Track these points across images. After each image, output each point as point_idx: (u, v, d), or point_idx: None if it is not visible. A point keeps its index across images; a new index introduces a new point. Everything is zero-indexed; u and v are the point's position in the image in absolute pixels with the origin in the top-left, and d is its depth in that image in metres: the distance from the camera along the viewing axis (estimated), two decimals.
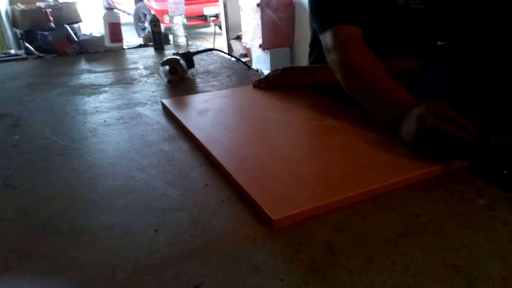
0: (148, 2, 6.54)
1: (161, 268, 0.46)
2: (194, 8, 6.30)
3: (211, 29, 6.39)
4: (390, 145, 0.69)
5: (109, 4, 7.68)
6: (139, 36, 6.39)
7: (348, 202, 0.55)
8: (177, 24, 1.96)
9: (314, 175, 0.61)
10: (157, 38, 1.85)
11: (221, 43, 4.95)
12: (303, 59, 3.56)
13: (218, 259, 0.47)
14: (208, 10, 6.30)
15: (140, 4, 6.89)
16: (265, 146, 0.74)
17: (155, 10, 6.30)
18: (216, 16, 6.16)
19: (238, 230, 0.52)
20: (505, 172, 1.15)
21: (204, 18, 6.36)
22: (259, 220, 0.53)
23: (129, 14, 7.75)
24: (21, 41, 3.55)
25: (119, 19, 1.90)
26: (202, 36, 6.76)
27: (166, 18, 5.69)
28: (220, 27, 5.75)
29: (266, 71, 3.61)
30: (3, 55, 1.90)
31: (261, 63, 3.78)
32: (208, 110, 0.93)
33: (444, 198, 0.56)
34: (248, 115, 0.92)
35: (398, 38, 0.95)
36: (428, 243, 0.47)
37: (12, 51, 2.06)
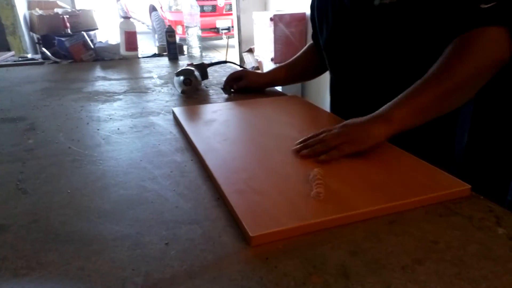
0: (163, 13, 6.73)
1: (171, 284, 0.45)
2: (207, 21, 6.45)
3: (224, 41, 6.64)
4: (390, 169, 0.68)
5: (125, 13, 7.88)
6: (154, 41, 6.82)
7: (333, 224, 0.54)
8: (192, 35, 1.98)
9: (301, 194, 0.60)
10: (171, 49, 1.87)
11: (233, 55, 4.99)
12: None
13: (229, 277, 0.46)
14: (220, 23, 6.47)
15: (154, 13, 7.08)
16: (259, 160, 0.74)
17: (169, 20, 6.49)
18: (228, 29, 6.32)
19: (250, 248, 0.51)
20: None
21: (216, 30, 6.54)
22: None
23: (143, 23, 7.92)
24: (37, 45, 3.63)
25: (135, 28, 1.93)
26: (215, 48, 6.87)
27: (180, 29, 5.95)
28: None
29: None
30: (20, 59, 1.93)
31: None
32: (214, 121, 0.93)
33: (462, 225, 0.54)
34: (251, 128, 0.92)
35: (388, 41, 0.88)
36: (446, 272, 0.45)
37: (29, 55, 2.10)
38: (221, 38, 6.71)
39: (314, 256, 0.49)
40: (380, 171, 0.68)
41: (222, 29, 6.45)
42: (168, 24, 6.26)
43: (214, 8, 6.37)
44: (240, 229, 0.53)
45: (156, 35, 6.89)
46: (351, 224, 0.55)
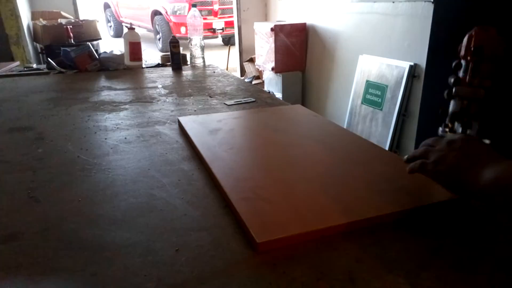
0: (167, 16, 7.57)
1: None
2: (205, 22, 7.28)
3: (218, 40, 8.23)
4: (392, 177, 0.70)
5: (115, 19, 8.99)
6: (156, 45, 7.81)
7: (338, 230, 0.55)
8: (195, 45, 2.01)
9: (307, 201, 0.62)
10: (175, 59, 1.90)
11: (234, 63, 5.04)
12: (315, 83, 3.60)
13: (239, 283, 0.47)
14: (216, 24, 7.57)
15: (158, 17, 7.87)
16: (265, 168, 0.76)
17: (174, 23, 7.46)
18: (222, 29, 7.65)
19: (258, 254, 0.52)
20: None
21: (213, 30, 7.53)
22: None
23: (139, 27, 8.34)
24: (41, 55, 3.66)
25: (139, 38, 1.96)
26: (210, 47, 7.83)
27: (183, 30, 7.21)
28: (224, 39, 8.22)
29: (278, 94, 3.65)
30: (25, 69, 1.96)
31: (273, 85, 3.83)
32: (219, 130, 0.95)
33: (463, 231, 0.56)
34: (256, 137, 0.94)
35: None
36: (450, 277, 0.47)
37: (34, 65, 2.12)
38: (217, 37, 7.97)
39: (321, 262, 0.50)
40: (384, 178, 0.69)
41: (217, 29, 7.62)
42: (172, 27, 7.43)
43: (210, 12, 7.50)
44: (247, 236, 0.55)
45: (160, 39, 7.82)
46: (357, 230, 0.56)
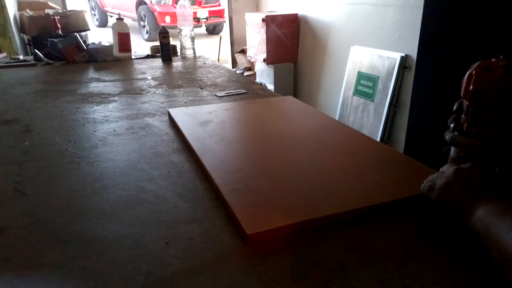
0: (152, 5, 7.69)
1: (173, 282, 0.46)
2: None
3: (202, 29, 8.62)
4: (383, 167, 0.70)
5: (99, 8, 9.10)
6: (142, 35, 7.94)
7: (327, 221, 0.56)
8: (185, 36, 1.99)
9: (297, 192, 0.62)
10: (165, 50, 1.87)
11: (225, 55, 5.01)
12: (307, 75, 3.59)
13: (230, 274, 0.47)
14: (200, 13, 7.79)
15: (142, 6, 7.99)
16: (255, 160, 0.75)
17: (158, 12, 7.59)
18: (206, 18, 7.96)
19: (248, 245, 0.52)
20: None
21: (197, 19, 7.73)
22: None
23: (123, 16, 8.33)
24: (28, 47, 3.59)
25: (128, 29, 1.92)
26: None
27: (168, 19, 7.40)
28: (208, 29, 8.62)
29: (270, 86, 3.63)
30: (12, 61, 1.92)
31: (265, 77, 3.82)
32: (210, 122, 0.94)
33: (452, 220, 0.56)
34: (247, 128, 0.93)
35: None
36: (438, 266, 0.47)
37: (21, 57, 2.08)
38: (201, 26, 8.28)
39: (312, 252, 0.50)
40: (375, 169, 0.70)
41: (202, 19, 7.84)
42: (157, 17, 7.54)
43: (194, 1, 7.63)
44: (238, 228, 0.55)
45: (145, 28, 7.93)
46: (347, 220, 0.56)
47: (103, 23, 9.25)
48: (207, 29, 8.69)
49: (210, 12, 7.93)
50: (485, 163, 0.53)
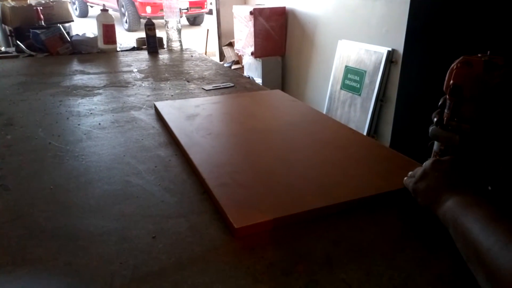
0: None
1: (160, 276, 0.45)
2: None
3: (183, 20, 8.45)
4: (369, 161, 0.71)
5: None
6: (123, 26, 7.92)
7: (314, 214, 0.56)
8: (171, 28, 1.96)
9: (285, 186, 0.62)
10: (151, 42, 1.85)
11: (213, 48, 4.97)
12: (295, 68, 3.59)
13: (217, 268, 0.47)
14: (180, 4, 8.08)
15: None
16: (243, 154, 0.75)
17: (139, 2, 7.55)
18: (187, 9, 8.03)
19: (236, 239, 0.52)
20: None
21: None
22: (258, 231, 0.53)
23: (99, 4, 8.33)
24: (10, 38, 3.50)
25: (113, 20, 1.89)
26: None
27: (149, 9, 7.47)
28: (189, 19, 8.65)
29: (257, 79, 3.62)
30: None
31: (253, 70, 3.80)
32: (197, 115, 0.93)
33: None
34: (235, 122, 0.93)
35: None
36: (424, 258, 0.48)
37: (2, 49, 2.03)
38: (181, 17, 8.79)
39: (300, 246, 0.50)
40: (361, 162, 0.70)
41: (182, 9, 7.85)
42: (138, 7, 7.51)
43: None
44: (226, 222, 0.55)
45: (126, 18, 7.87)
46: (334, 214, 0.56)
47: (83, 13, 9.09)
48: (188, 19, 8.76)
49: (190, 2, 7.96)
50: (466, 158, 0.54)
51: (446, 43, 1.52)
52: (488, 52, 0.52)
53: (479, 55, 0.52)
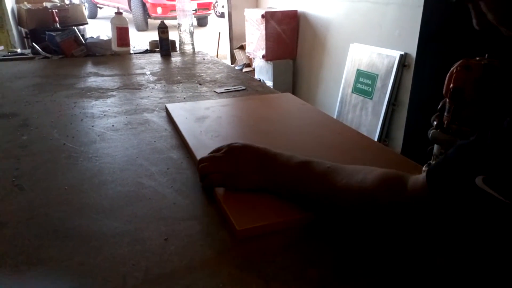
0: None
1: (172, 278, 0.46)
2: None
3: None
4: (377, 165, 0.69)
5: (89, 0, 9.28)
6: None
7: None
8: (184, 31, 1.98)
9: None
10: (164, 45, 1.86)
11: (224, 51, 5.00)
12: (306, 72, 3.59)
13: (229, 271, 0.47)
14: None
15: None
16: None
17: (151, 3, 7.85)
18: (195, 10, 8.09)
19: (247, 243, 0.52)
20: None
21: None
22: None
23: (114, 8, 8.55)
24: (25, 40, 3.57)
25: (127, 23, 1.91)
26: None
27: (159, 10, 7.84)
28: (198, 20, 8.90)
29: (268, 82, 3.63)
30: (9, 54, 1.91)
31: (264, 73, 3.81)
32: (207, 117, 0.94)
33: None
34: (243, 125, 0.93)
35: None
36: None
37: (18, 50, 2.06)
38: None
39: (311, 250, 0.50)
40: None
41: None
42: (149, 8, 7.82)
43: None
44: (228, 224, 0.55)
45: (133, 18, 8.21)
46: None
47: (92, 15, 9.23)
48: (198, 20, 9.07)
49: (199, 4, 8.20)
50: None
51: (460, 48, 1.50)
52: (486, 55, 0.52)
53: (477, 58, 0.52)
